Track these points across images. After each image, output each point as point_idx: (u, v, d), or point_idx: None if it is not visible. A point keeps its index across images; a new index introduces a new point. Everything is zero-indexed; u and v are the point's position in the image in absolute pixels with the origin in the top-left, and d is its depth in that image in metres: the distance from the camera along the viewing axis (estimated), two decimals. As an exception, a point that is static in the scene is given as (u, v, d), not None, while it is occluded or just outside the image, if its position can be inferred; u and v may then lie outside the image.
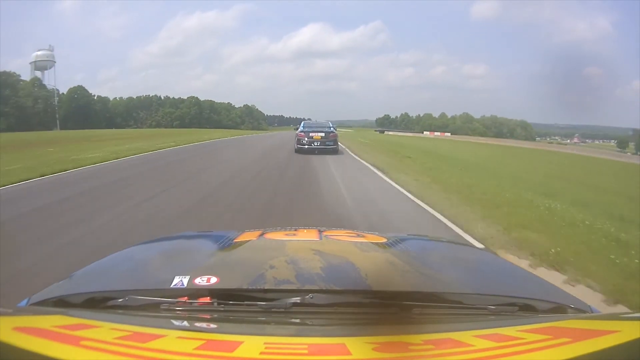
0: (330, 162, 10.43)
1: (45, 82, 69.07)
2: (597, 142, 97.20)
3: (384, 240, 1.18)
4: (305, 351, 0.54)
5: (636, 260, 3.15)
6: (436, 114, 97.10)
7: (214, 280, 0.78)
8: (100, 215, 4.63)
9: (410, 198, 6.02)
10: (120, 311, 0.75)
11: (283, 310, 0.73)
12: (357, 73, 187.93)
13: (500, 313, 0.77)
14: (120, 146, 15.29)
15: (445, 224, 4.55)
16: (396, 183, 7.30)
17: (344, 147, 15.18)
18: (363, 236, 1.22)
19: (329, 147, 12.56)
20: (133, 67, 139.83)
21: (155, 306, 0.75)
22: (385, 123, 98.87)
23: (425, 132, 60.15)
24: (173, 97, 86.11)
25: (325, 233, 1.21)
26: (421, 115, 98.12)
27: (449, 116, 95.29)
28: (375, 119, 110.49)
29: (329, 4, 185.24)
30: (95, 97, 77.90)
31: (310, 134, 12.73)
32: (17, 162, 9.35)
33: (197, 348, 0.54)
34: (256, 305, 0.74)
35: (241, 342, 0.56)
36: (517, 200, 6.08)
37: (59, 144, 18.02)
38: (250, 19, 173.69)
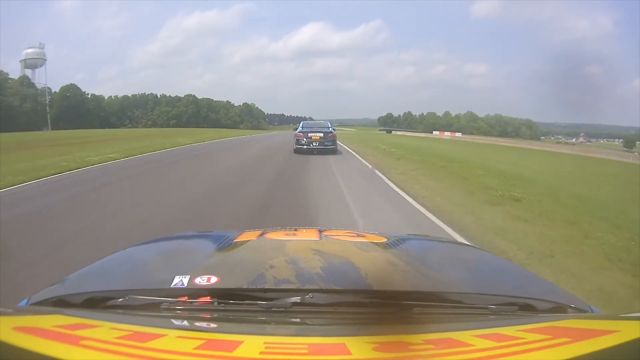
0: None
1: (36, 81, 66.80)
2: (601, 141, 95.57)
3: (384, 240, 1.17)
4: (305, 351, 0.54)
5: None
6: (439, 113, 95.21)
7: (214, 280, 0.78)
8: None
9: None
10: (120, 311, 0.75)
11: (283, 310, 0.72)
12: (357, 72, 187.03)
13: (500, 313, 0.77)
14: (82, 152, 12.58)
15: None
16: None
17: (368, 165, 10.16)
18: (363, 236, 1.21)
19: (327, 147, 12.53)
20: (131, 66, 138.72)
21: (155, 306, 0.75)
22: (387, 122, 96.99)
23: (434, 132, 56.15)
24: (170, 96, 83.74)
25: (325, 233, 1.21)
26: (424, 114, 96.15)
27: (453, 115, 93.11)
28: (377, 117, 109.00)
29: (329, 3, 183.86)
30: (90, 96, 75.47)
31: (309, 135, 12.62)
32: None
33: (197, 348, 0.53)
34: (256, 304, 0.73)
35: (241, 342, 0.56)
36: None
37: (21, 150, 15.15)
38: (251, 18, 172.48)
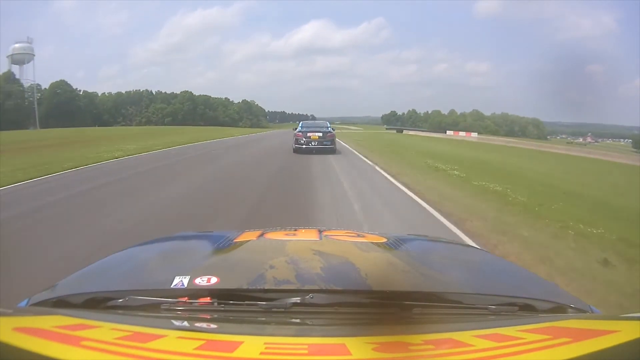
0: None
1: (24, 77, 63.91)
2: (608, 141, 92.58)
3: (384, 240, 1.17)
4: (305, 351, 0.54)
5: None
6: (442, 111, 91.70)
7: (214, 280, 0.78)
8: None
9: None
10: (120, 311, 0.75)
11: (283, 310, 0.72)
12: (359, 70, 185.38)
13: (500, 313, 0.77)
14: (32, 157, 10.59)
15: None
16: None
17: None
18: (363, 236, 1.21)
19: (326, 147, 12.60)
20: (128, 63, 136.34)
21: (155, 306, 0.75)
22: (391, 120, 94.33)
23: (448, 132, 50.28)
24: (165, 92, 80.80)
25: (325, 233, 1.20)
26: (429, 112, 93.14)
27: (459, 113, 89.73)
28: (380, 115, 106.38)
29: (331, 0, 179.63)
30: (82, 93, 72.57)
31: (308, 134, 12.67)
32: None
33: (197, 348, 0.53)
34: (256, 305, 0.73)
35: (241, 342, 0.56)
36: None
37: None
38: (252, 16, 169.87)
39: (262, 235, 1.16)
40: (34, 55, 65.94)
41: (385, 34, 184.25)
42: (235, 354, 0.52)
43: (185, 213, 4.96)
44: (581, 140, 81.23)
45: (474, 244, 3.49)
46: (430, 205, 5.44)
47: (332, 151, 12.73)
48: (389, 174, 8.45)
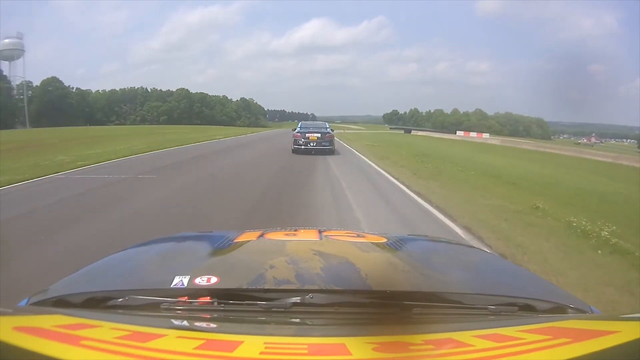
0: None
1: (13, 74, 61.65)
2: (612, 141, 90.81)
3: (384, 240, 1.16)
4: (305, 351, 0.54)
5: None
6: (447, 110, 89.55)
7: (214, 280, 0.78)
8: None
9: None
10: (120, 311, 0.75)
11: (283, 310, 0.72)
12: (360, 68, 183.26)
13: (500, 313, 0.77)
14: None
15: None
16: None
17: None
18: (363, 236, 1.21)
19: (325, 147, 12.59)
20: (125, 60, 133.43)
21: (155, 306, 0.75)
22: (393, 119, 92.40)
23: (458, 132, 48.28)
24: (161, 90, 78.60)
25: (325, 233, 1.20)
26: (432, 110, 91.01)
27: (462, 112, 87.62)
28: (381, 114, 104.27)
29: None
30: (75, 90, 70.40)
31: (307, 135, 12.67)
32: None
33: (197, 348, 0.53)
34: (256, 305, 0.73)
35: (241, 342, 0.56)
36: None
37: None
38: (253, 14, 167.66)
39: (262, 235, 1.16)
40: (23, 51, 63.82)
41: (386, 33, 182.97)
42: (235, 354, 0.52)
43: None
44: (585, 140, 79.31)
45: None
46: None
47: (331, 152, 12.71)
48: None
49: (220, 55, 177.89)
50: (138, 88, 77.92)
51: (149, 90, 78.46)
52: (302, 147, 12.39)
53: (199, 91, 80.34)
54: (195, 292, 0.76)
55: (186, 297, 0.76)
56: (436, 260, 1.05)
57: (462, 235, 4.12)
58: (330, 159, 11.37)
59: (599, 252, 3.67)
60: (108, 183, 7.01)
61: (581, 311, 0.83)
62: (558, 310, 0.82)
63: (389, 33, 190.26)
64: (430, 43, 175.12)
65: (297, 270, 0.83)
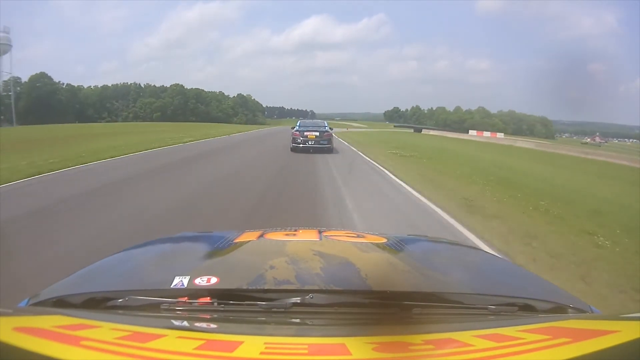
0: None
1: (1, 70, 58.59)
2: (615, 140, 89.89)
3: (384, 240, 1.16)
4: (305, 351, 0.54)
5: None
6: (448, 108, 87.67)
7: (214, 280, 0.78)
8: None
9: None
10: (120, 311, 0.75)
11: (283, 310, 0.72)
12: (360, 66, 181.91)
13: (500, 313, 0.77)
14: None
15: None
16: None
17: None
18: (363, 236, 1.20)
19: (323, 146, 12.48)
20: (122, 57, 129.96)
21: (155, 306, 0.75)
22: (394, 116, 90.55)
23: (470, 132, 45.22)
24: (154, 85, 75.78)
25: (325, 233, 1.19)
26: (434, 108, 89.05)
27: (464, 110, 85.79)
28: (381, 112, 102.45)
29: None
30: (65, 86, 67.47)
31: (305, 133, 12.56)
32: None
33: (197, 348, 0.53)
34: (256, 305, 0.73)
35: (241, 342, 0.56)
36: None
37: None
38: (252, 11, 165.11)
39: (262, 235, 1.15)
40: (11, 46, 60.52)
41: (385, 30, 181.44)
42: (235, 354, 0.52)
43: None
44: (589, 140, 77.77)
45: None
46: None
47: (329, 150, 12.61)
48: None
49: (219, 52, 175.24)
50: (131, 84, 74.97)
51: (142, 86, 75.64)
52: (301, 145, 12.40)
53: (194, 87, 77.68)
54: (195, 293, 0.76)
55: (186, 298, 0.76)
56: (436, 261, 1.04)
57: None
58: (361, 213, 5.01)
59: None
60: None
61: (581, 311, 0.83)
62: (558, 310, 0.82)
63: (388, 30, 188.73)
64: (430, 41, 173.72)
65: (297, 270, 0.82)
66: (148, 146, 13.56)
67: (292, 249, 0.98)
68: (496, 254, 2.53)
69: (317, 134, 12.61)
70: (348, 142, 18.64)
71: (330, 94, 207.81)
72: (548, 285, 1.02)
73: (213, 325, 0.73)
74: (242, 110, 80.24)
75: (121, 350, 0.52)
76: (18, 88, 60.87)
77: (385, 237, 1.18)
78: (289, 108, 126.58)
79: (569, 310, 0.82)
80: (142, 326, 0.63)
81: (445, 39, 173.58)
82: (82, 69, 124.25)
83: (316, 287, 0.75)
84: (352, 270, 0.83)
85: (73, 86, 68.53)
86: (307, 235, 1.21)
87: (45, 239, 3.71)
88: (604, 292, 2.91)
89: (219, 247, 1.05)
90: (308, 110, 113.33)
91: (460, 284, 0.86)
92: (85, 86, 71.60)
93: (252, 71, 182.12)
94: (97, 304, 0.78)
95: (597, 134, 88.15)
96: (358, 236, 1.19)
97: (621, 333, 0.56)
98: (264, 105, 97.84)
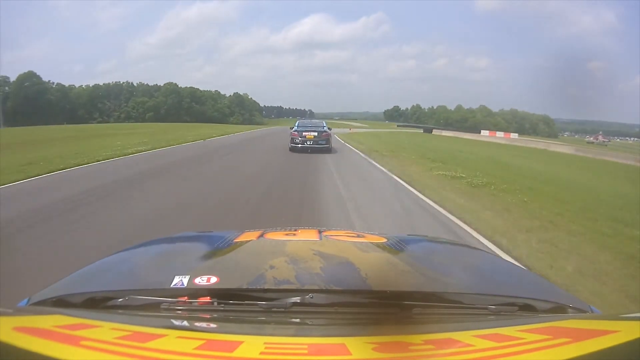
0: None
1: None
2: (617, 139, 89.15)
3: (384, 240, 1.15)
4: (305, 351, 0.54)
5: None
6: (450, 106, 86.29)
7: (214, 280, 0.78)
8: None
9: None
10: (120, 311, 0.75)
11: (283, 310, 0.72)
12: (358, 65, 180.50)
13: (500, 313, 0.77)
14: None
15: None
16: None
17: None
18: (363, 236, 1.19)
19: (321, 146, 12.52)
20: (120, 56, 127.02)
21: (155, 306, 0.75)
22: (394, 115, 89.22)
23: (482, 132, 41.37)
24: (147, 84, 73.25)
25: (325, 233, 1.19)
26: (435, 107, 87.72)
27: (466, 108, 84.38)
28: (380, 111, 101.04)
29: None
30: (55, 85, 64.86)
31: (304, 133, 12.61)
32: None
33: (197, 348, 0.53)
34: (256, 305, 0.73)
35: (241, 342, 0.56)
36: None
37: None
38: (250, 9, 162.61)
39: (262, 235, 1.15)
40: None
41: (384, 29, 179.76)
42: (235, 354, 0.52)
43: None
44: (592, 139, 76.60)
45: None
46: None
47: (328, 150, 12.64)
48: None
49: (217, 51, 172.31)
50: (123, 83, 72.15)
51: (135, 85, 73.10)
52: (299, 145, 12.44)
53: (189, 86, 75.32)
54: (195, 292, 0.76)
55: (186, 297, 0.76)
56: (436, 261, 1.04)
57: None
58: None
59: None
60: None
61: (581, 311, 0.83)
62: (558, 310, 0.82)
63: (387, 29, 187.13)
64: (429, 39, 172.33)
65: (297, 270, 0.82)
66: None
67: (292, 249, 0.98)
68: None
69: (316, 134, 12.67)
70: (362, 151, 13.84)
71: (329, 93, 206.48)
72: (548, 285, 1.03)
73: (213, 325, 0.73)
74: (239, 110, 77.92)
75: (121, 350, 0.52)
76: (6, 88, 58.37)
77: (385, 237, 1.18)
78: (288, 107, 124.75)
79: (569, 310, 0.82)
80: (142, 326, 0.62)
81: (444, 37, 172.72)
82: (73, 68, 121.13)
83: (316, 287, 0.75)
84: (352, 270, 0.83)
85: (63, 86, 66.04)
86: (307, 235, 1.20)
87: None
88: None
89: (219, 246, 1.04)
90: (306, 109, 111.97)
91: (461, 283, 0.86)
92: (77, 86, 68.95)
93: (250, 70, 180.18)
94: (97, 303, 0.78)
95: (600, 132, 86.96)
96: (358, 236, 1.19)
97: (621, 333, 0.56)
98: (262, 105, 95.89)
